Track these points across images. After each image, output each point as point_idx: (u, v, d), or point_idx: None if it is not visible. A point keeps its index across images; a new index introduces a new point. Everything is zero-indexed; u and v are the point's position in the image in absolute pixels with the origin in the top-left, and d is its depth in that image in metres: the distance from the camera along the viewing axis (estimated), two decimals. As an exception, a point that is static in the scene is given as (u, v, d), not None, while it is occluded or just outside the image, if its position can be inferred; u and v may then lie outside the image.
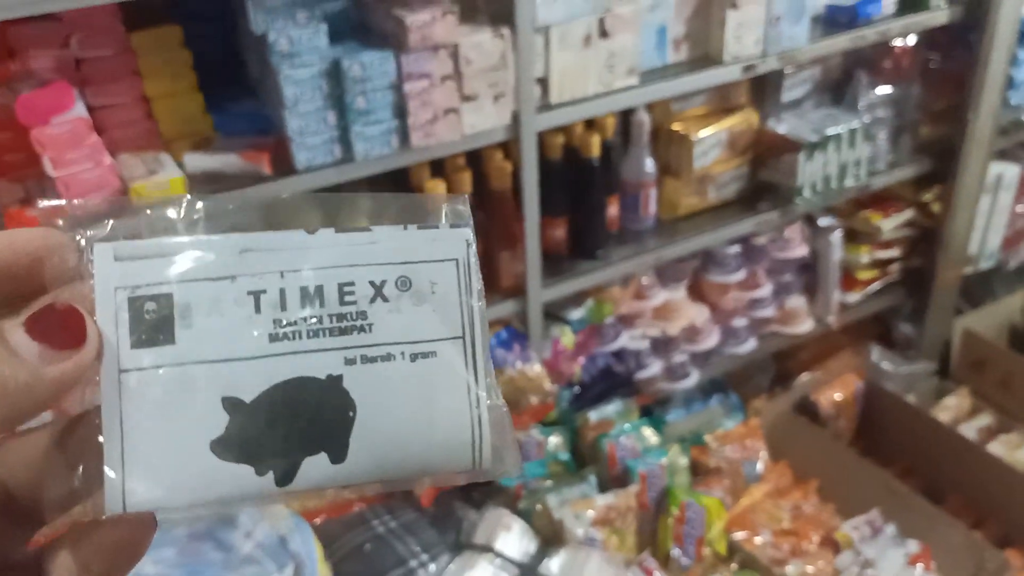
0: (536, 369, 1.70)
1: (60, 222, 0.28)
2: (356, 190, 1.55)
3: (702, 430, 1.96)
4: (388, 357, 0.29)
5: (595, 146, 1.64)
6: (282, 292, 0.29)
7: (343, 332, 0.29)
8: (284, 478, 0.28)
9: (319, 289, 0.29)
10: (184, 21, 1.34)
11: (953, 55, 2.02)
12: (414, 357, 0.29)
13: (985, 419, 2.09)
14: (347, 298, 0.29)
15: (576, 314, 1.82)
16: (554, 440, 1.76)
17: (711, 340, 2.00)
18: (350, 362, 0.29)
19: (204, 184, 1.33)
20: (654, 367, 1.94)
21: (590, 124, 1.66)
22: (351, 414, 0.28)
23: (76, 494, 0.26)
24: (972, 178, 2.09)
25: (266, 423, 0.28)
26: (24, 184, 1.25)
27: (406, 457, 0.29)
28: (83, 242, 0.28)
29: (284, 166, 1.36)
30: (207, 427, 0.27)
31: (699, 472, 1.86)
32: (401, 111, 1.37)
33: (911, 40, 1.96)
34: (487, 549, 1.56)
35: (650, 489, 1.66)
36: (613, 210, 1.76)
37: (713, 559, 1.63)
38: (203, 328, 0.28)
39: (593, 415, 1.83)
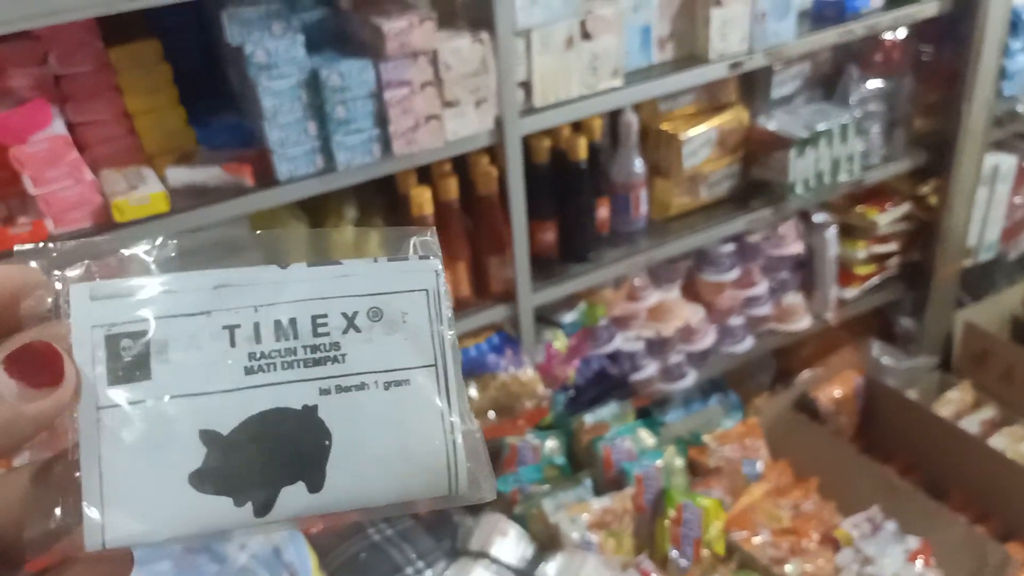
0: (529, 374, 1.70)
1: (34, 263, 0.29)
2: (342, 199, 1.55)
3: (701, 430, 1.95)
4: (362, 386, 0.30)
5: (582, 148, 1.63)
6: (256, 326, 0.29)
7: (317, 363, 0.29)
8: (263, 509, 0.28)
9: (292, 322, 0.30)
10: (163, 35, 1.34)
11: (945, 47, 2.00)
12: (387, 385, 0.30)
13: (988, 412, 2.07)
14: (320, 330, 0.30)
15: (569, 317, 1.81)
16: (550, 444, 1.75)
17: (707, 340, 1.99)
18: (324, 392, 0.29)
19: (187, 198, 1.33)
20: (650, 368, 1.94)
21: (577, 126, 1.65)
22: (327, 443, 0.29)
23: (55, 533, 0.26)
24: (968, 170, 2.07)
25: (244, 455, 0.28)
26: (6, 203, 1.26)
27: (383, 484, 0.29)
28: (58, 283, 0.28)
29: (267, 178, 1.36)
30: (185, 460, 0.28)
31: (698, 472, 1.85)
32: (382, 119, 1.37)
33: (901, 33, 1.94)
34: (483, 555, 1.56)
35: (646, 491, 1.65)
36: (603, 212, 1.76)
37: (712, 560, 1.62)
38: (179, 363, 0.28)
39: (588, 418, 1.82)
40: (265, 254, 0.31)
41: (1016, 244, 2.35)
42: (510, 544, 1.57)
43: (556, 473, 1.72)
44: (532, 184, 1.58)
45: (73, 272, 0.29)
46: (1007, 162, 2.17)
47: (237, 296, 0.29)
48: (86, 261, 0.29)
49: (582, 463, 1.76)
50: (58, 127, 1.21)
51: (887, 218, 2.10)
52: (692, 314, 1.96)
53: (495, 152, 1.54)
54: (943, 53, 2.01)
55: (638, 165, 1.75)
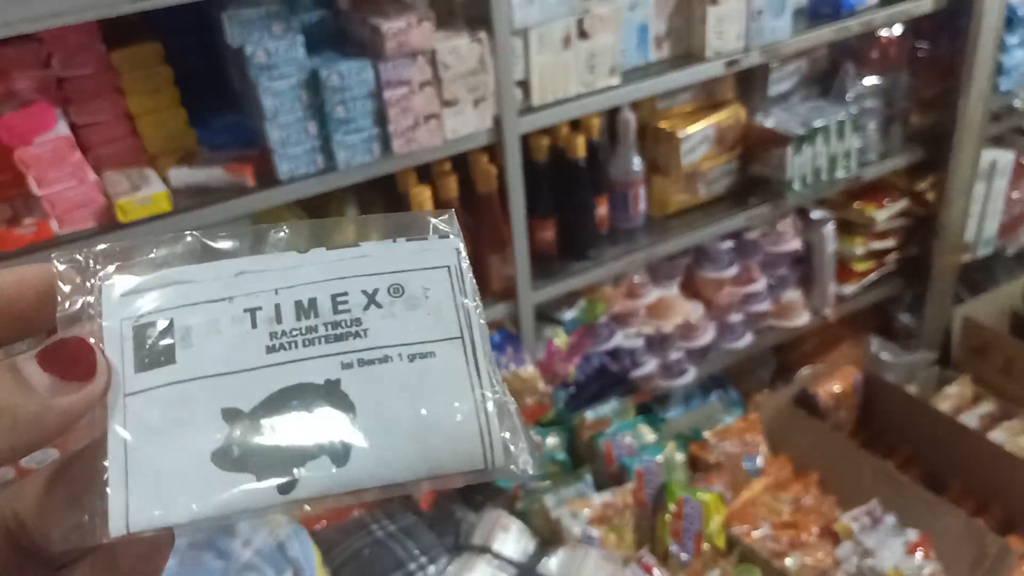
0: (529, 371, 1.71)
1: (66, 265, 0.29)
2: (343, 198, 1.56)
3: (701, 426, 1.96)
4: (385, 359, 0.29)
5: (581, 147, 1.64)
6: (277, 307, 0.29)
7: (338, 339, 0.29)
8: (286, 486, 0.27)
9: (312, 301, 0.30)
10: (164, 37, 1.36)
11: (941, 43, 2.01)
12: (412, 357, 0.29)
13: (987, 406, 2.08)
14: (340, 307, 0.30)
15: (569, 315, 1.83)
16: (551, 441, 1.76)
17: (707, 336, 2.00)
18: (347, 366, 0.29)
19: (189, 198, 1.35)
20: (650, 365, 1.95)
21: (575, 125, 1.67)
22: (351, 416, 0.28)
23: (84, 525, 0.27)
24: (965, 165, 2.08)
25: (266, 431, 0.28)
26: (11, 204, 1.27)
27: (412, 458, 0.28)
28: (89, 284, 0.29)
29: (268, 177, 1.37)
30: (208, 439, 0.27)
31: (699, 468, 1.86)
32: (382, 118, 1.39)
33: (897, 29, 1.95)
34: (485, 550, 1.57)
35: (647, 486, 1.66)
36: (602, 210, 1.77)
37: (712, 553, 1.63)
38: (202, 347, 0.29)
39: (589, 415, 1.83)
40: (287, 244, 0.32)
41: (1014, 239, 2.36)
42: (512, 539, 1.58)
43: (557, 469, 1.73)
44: (531, 182, 1.59)
45: (104, 272, 0.30)
46: (1004, 157, 2.18)
47: (257, 281, 0.30)
48: (115, 262, 0.30)
49: (583, 459, 1.78)
50: (62, 129, 1.22)
51: (885, 214, 2.11)
52: (692, 311, 1.97)
53: (494, 151, 1.56)
54: (939, 49, 2.02)
55: (636, 163, 1.77)
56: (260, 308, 0.29)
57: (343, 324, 0.29)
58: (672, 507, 1.62)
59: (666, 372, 1.99)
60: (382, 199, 1.61)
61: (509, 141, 1.51)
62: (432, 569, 1.54)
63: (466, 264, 0.32)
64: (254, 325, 0.29)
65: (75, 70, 1.27)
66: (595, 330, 1.86)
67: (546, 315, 1.81)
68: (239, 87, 1.45)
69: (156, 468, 0.27)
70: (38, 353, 0.27)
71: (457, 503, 1.71)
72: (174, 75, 1.37)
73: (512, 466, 0.30)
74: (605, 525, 1.60)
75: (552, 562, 1.53)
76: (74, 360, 0.27)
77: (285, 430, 0.28)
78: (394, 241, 0.32)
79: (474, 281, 0.32)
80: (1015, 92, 2.11)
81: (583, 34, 1.54)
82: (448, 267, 0.31)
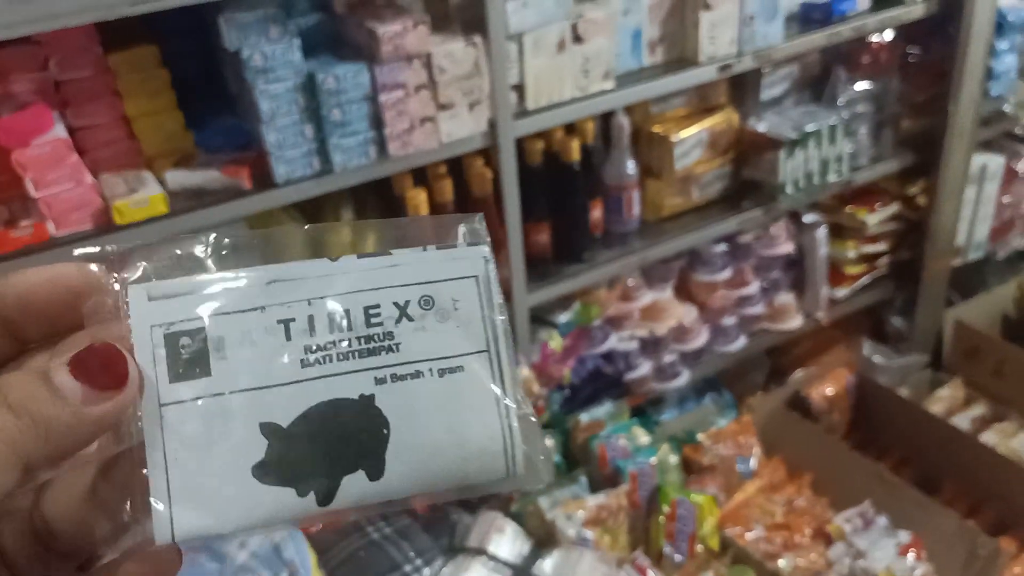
0: (524, 373, 1.72)
1: (93, 264, 0.30)
2: (339, 201, 1.57)
3: (695, 428, 1.97)
4: (417, 374, 0.30)
5: (575, 150, 1.65)
6: (310, 319, 0.30)
7: (372, 353, 0.30)
8: (325, 498, 0.29)
9: (346, 313, 0.30)
10: (161, 40, 1.37)
11: (932, 48, 2.03)
12: (442, 373, 0.30)
13: (979, 409, 2.10)
14: (373, 320, 0.30)
15: (563, 317, 1.83)
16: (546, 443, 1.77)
17: (700, 339, 2.01)
18: (380, 381, 0.30)
19: (186, 200, 1.35)
20: (644, 368, 1.96)
21: (570, 129, 1.68)
22: (385, 431, 0.29)
23: (125, 528, 0.27)
24: (956, 170, 2.10)
25: (304, 445, 0.28)
26: (8, 205, 1.28)
27: (441, 470, 0.30)
28: (116, 284, 0.29)
29: (264, 180, 1.38)
30: (247, 453, 0.28)
31: (693, 470, 1.87)
32: (377, 122, 1.40)
33: (888, 35, 1.97)
34: (480, 552, 1.58)
35: (641, 488, 1.67)
36: (597, 213, 1.78)
37: (706, 555, 1.64)
38: (237, 358, 0.29)
39: (584, 417, 1.84)
40: (315, 248, 0.32)
41: (1005, 243, 2.38)
42: (507, 541, 1.59)
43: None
44: (526, 186, 1.60)
45: (129, 274, 0.29)
46: (995, 162, 2.20)
47: (290, 290, 0.30)
48: (142, 263, 0.30)
49: (578, 461, 1.78)
50: (59, 131, 1.23)
51: (876, 218, 2.13)
52: (685, 314, 1.98)
53: (489, 154, 1.57)
54: (930, 54, 2.04)
55: (630, 167, 1.78)
56: (293, 320, 0.30)
57: (376, 338, 0.30)
58: (666, 509, 1.63)
59: (660, 375, 2.00)
60: (378, 202, 1.61)
61: (504, 144, 1.52)
62: (427, 571, 1.54)
63: (494, 273, 0.32)
64: (288, 337, 0.30)
65: (73, 72, 1.28)
66: (589, 333, 1.87)
67: (541, 318, 1.82)
68: (236, 90, 1.46)
69: (198, 480, 0.28)
70: (69, 361, 0.27)
71: (452, 505, 1.71)
72: (171, 78, 1.38)
73: (531, 475, 0.31)
74: (599, 527, 1.61)
75: (547, 564, 1.54)
76: (105, 367, 0.27)
77: (323, 444, 0.29)
78: (424, 249, 0.32)
79: (500, 291, 0.32)
80: (1005, 97, 2.13)
81: (577, 38, 1.55)
82: (476, 277, 0.32)
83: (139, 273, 0.30)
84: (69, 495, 0.28)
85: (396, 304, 0.31)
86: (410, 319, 0.30)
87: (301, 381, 0.29)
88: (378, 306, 0.30)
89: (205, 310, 0.29)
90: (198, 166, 1.38)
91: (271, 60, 1.31)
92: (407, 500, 0.30)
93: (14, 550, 0.28)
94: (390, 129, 1.40)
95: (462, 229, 0.33)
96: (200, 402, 0.28)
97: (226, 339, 0.29)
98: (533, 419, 0.31)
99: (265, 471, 0.28)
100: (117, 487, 0.28)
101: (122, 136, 1.36)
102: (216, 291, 0.30)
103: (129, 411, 0.28)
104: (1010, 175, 2.26)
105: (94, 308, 0.29)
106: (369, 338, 0.30)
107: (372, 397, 0.29)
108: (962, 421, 2.04)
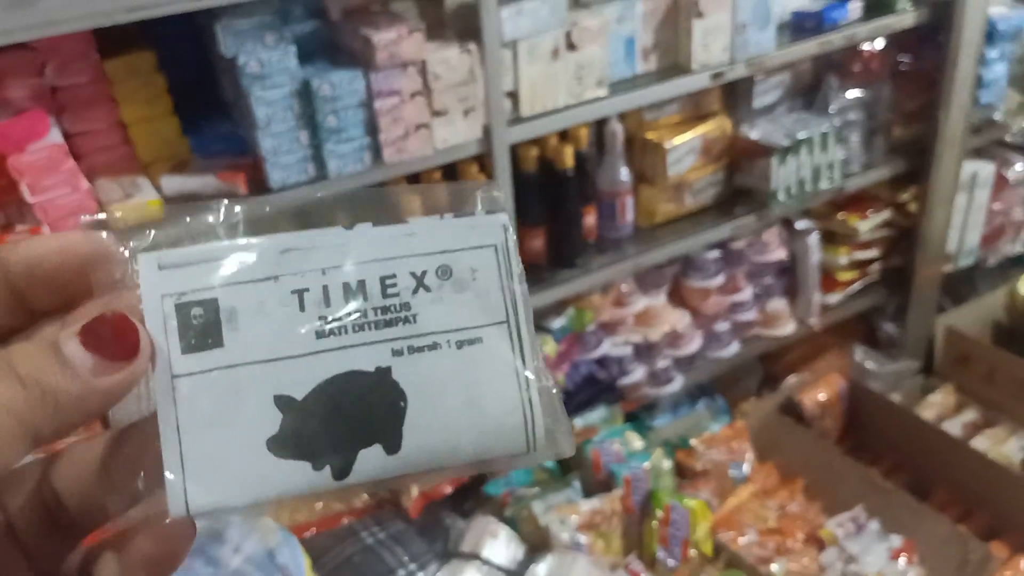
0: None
1: (103, 232, 0.29)
2: (334, 208, 1.58)
3: (689, 434, 1.98)
4: (434, 346, 0.29)
5: (569, 157, 1.66)
6: (325, 289, 0.29)
7: (388, 324, 0.29)
8: (341, 472, 0.28)
9: (361, 284, 0.29)
10: (157, 46, 1.37)
11: (922, 56, 2.05)
12: (460, 344, 0.29)
13: (970, 415, 2.11)
14: (390, 291, 0.29)
15: (557, 323, 1.84)
16: (539, 448, 1.78)
17: (693, 345, 2.02)
18: (397, 353, 0.29)
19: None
20: (637, 373, 1.96)
21: (564, 135, 1.69)
22: (402, 404, 0.29)
23: (136, 500, 0.27)
24: (946, 177, 2.12)
25: (320, 419, 0.28)
26: (4, 211, 1.28)
27: (460, 443, 0.29)
28: (126, 252, 0.28)
29: (259, 185, 1.39)
30: (262, 426, 0.28)
31: (686, 475, 1.88)
32: (372, 128, 1.41)
33: (879, 43, 1.99)
34: (474, 557, 1.58)
35: (634, 493, 1.68)
36: (590, 219, 1.79)
37: (699, 560, 1.65)
38: (250, 330, 0.28)
39: (578, 422, 1.85)
40: (329, 218, 0.31)
41: (995, 250, 2.40)
42: (501, 546, 1.59)
43: (546, 476, 1.74)
44: (520, 192, 1.61)
45: (138, 242, 0.29)
46: (985, 169, 2.22)
47: (304, 259, 0.29)
48: (151, 230, 0.29)
49: (571, 466, 1.79)
50: (55, 136, 1.23)
51: (868, 224, 2.14)
52: (678, 319, 1.99)
53: (484, 160, 1.58)
54: (921, 62, 2.05)
55: (624, 173, 1.79)
56: (308, 290, 0.29)
57: (392, 309, 0.29)
58: (659, 514, 1.64)
59: (653, 380, 2.01)
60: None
61: (498, 151, 1.53)
62: None
63: (513, 241, 0.31)
64: (302, 308, 0.29)
65: (69, 78, 1.29)
66: (583, 338, 1.88)
67: (535, 323, 1.83)
68: (232, 96, 1.47)
69: (211, 453, 0.27)
70: (80, 331, 0.26)
71: (446, 510, 1.72)
72: (167, 84, 1.39)
73: (552, 449, 0.30)
74: (593, 531, 1.62)
75: (541, 568, 1.54)
76: (116, 338, 0.26)
77: (338, 418, 0.28)
78: (441, 217, 0.31)
79: (520, 261, 0.31)
80: (995, 105, 2.15)
81: (571, 46, 1.56)
82: (495, 246, 0.31)
83: (149, 241, 0.29)
84: (79, 467, 0.28)
85: (412, 274, 0.30)
86: (427, 289, 0.30)
87: (316, 353, 0.28)
88: (394, 276, 0.29)
89: (217, 280, 0.29)
90: (194, 172, 1.39)
91: (267, 66, 1.31)
92: (424, 475, 0.29)
93: (22, 522, 0.28)
94: (385, 135, 1.41)
95: (480, 196, 0.32)
96: (213, 374, 0.28)
97: (239, 310, 0.28)
98: (554, 391, 0.30)
99: (280, 444, 0.28)
100: (129, 460, 0.27)
101: (118, 142, 1.36)
102: (228, 260, 0.29)
103: (140, 382, 0.27)
104: (1000, 182, 2.28)
105: (104, 278, 0.28)
106: (385, 309, 0.29)
107: (389, 369, 0.29)
108: (953, 427, 2.05)
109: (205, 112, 1.49)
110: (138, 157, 1.39)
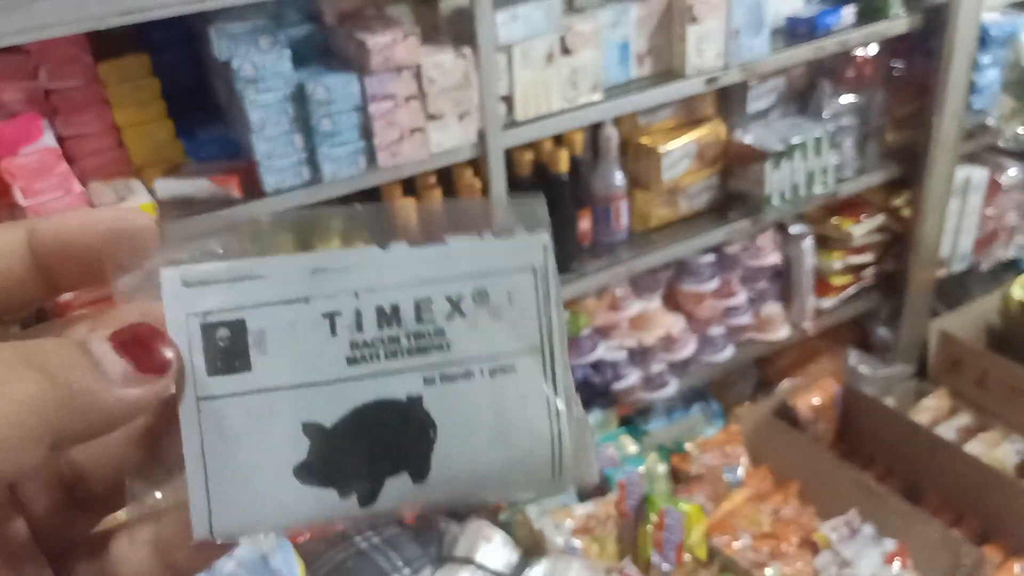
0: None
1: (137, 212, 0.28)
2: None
3: (683, 438, 1.98)
4: (467, 375, 0.28)
5: (564, 161, 1.67)
6: (358, 313, 0.28)
7: (421, 351, 0.28)
8: (367, 499, 0.28)
9: (395, 308, 0.28)
10: (151, 50, 1.37)
11: (915, 62, 2.06)
12: (493, 373, 0.29)
13: (964, 419, 2.12)
14: (424, 316, 0.28)
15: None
16: (534, 452, 1.78)
17: (688, 349, 2.02)
18: (429, 381, 0.28)
19: (175, 209, 1.36)
20: (632, 377, 1.96)
21: (558, 140, 1.69)
22: (432, 433, 0.28)
23: (158, 484, 0.27)
24: (940, 182, 2.12)
25: (348, 447, 0.27)
26: (-4, 214, 1.28)
27: (486, 473, 0.29)
28: (144, 255, 0.27)
29: (254, 189, 1.39)
30: (289, 453, 0.27)
31: (681, 479, 1.88)
32: (367, 132, 1.41)
33: (872, 49, 2.00)
34: (469, 561, 1.58)
35: (629, 497, 1.68)
36: (585, 223, 1.79)
37: (694, 564, 1.65)
38: (279, 353, 0.27)
39: (572, 426, 1.84)
40: (361, 231, 0.30)
41: (988, 254, 2.41)
42: (495, 550, 1.59)
43: (540, 480, 1.74)
44: (514, 196, 1.61)
45: (161, 250, 0.27)
46: (978, 174, 2.23)
47: (336, 281, 0.28)
48: (174, 243, 0.28)
49: (566, 470, 1.79)
50: (48, 140, 1.23)
51: (862, 229, 2.15)
52: (673, 323, 1.99)
53: (478, 164, 1.58)
54: (914, 68, 2.06)
55: (618, 178, 1.79)
56: (340, 313, 0.28)
57: (426, 335, 0.28)
58: (654, 518, 1.64)
59: (648, 384, 2.01)
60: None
61: (493, 155, 1.53)
62: (415, 580, 1.54)
63: (552, 264, 0.30)
64: (334, 332, 0.28)
65: (62, 82, 1.28)
66: (578, 342, 1.88)
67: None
68: (226, 100, 1.46)
69: (237, 478, 0.27)
70: (112, 335, 0.25)
71: (440, 514, 1.71)
72: (161, 87, 1.38)
73: (576, 479, 0.30)
74: (587, 535, 1.62)
75: (535, 572, 1.54)
76: (148, 349, 0.25)
77: (367, 446, 0.28)
78: (480, 237, 0.29)
79: (559, 283, 0.30)
80: (988, 110, 2.16)
81: (566, 50, 1.56)
82: (534, 269, 0.29)
83: (170, 251, 0.27)
84: (108, 443, 0.27)
85: (449, 298, 0.28)
86: (462, 314, 0.28)
87: (346, 380, 0.28)
88: (430, 299, 0.28)
89: (245, 300, 0.27)
90: (188, 175, 1.39)
91: (261, 70, 1.31)
92: (448, 502, 0.29)
93: (36, 492, 0.28)
94: (379, 139, 1.41)
95: (521, 212, 0.30)
96: (239, 398, 0.27)
97: (268, 333, 0.27)
98: (585, 420, 0.30)
99: (307, 472, 0.27)
100: (154, 463, 0.27)
101: (111, 145, 1.36)
102: (257, 279, 0.28)
103: (166, 399, 0.26)
104: (993, 187, 2.29)
105: (131, 258, 0.27)
106: (419, 335, 0.28)
107: (420, 398, 0.28)
108: (947, 431, 2.06)
109: (199, 116, 1.49)
110: (131, 161, 1.39)
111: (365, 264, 0.28)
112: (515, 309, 0.29)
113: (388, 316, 0.28)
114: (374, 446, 0.28)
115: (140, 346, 0.25)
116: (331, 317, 0.28)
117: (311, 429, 0.27)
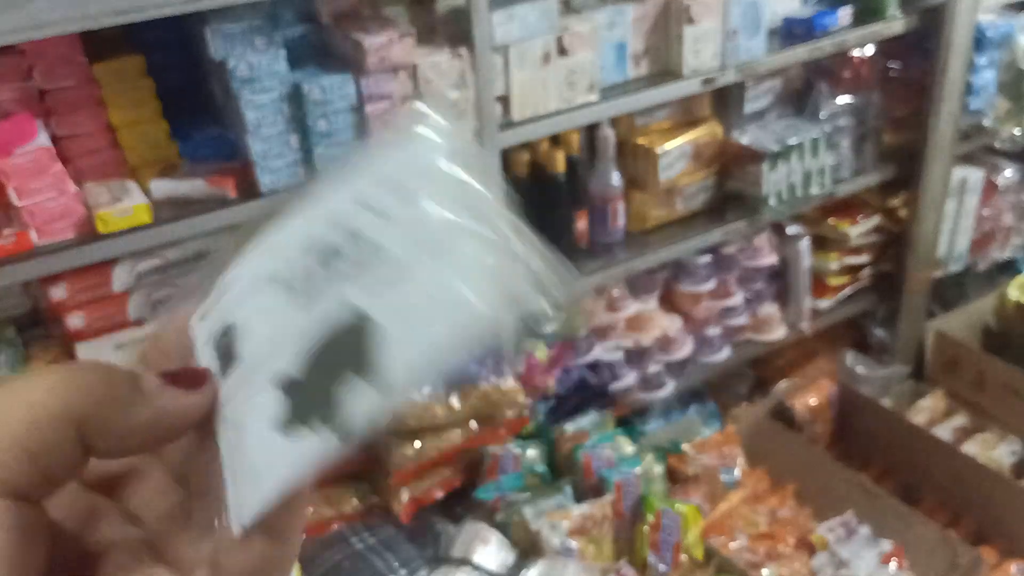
0: (510, 384, 1.72)
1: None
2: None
3: (680, 439, 1.98)
4: (405, 269, 0.28)
5: (560, 162, 1.66)
6: (305, 267, 0.30)
7: (360, 269, 0.29)
8: (341, 426, 0.28)
9: (332, 245, 0.29)
10: (146, 50, 1.37)
11: (912, 63, 2.06)
12: (431, 254, 0.28)
13: (960, 419, 2.12)
14: (358, 238, 0.29)
15: (549, 328, 1.84)
16: (531, 453, 1.77)
17: (685, 349, 2.02)
18: (373, 293, 0.29)
19: (170, 210, 1.35)
20: (629, 378, 1.96)
21: (555, 140, 1.69)
22: (384, 339, 0.28)
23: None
24: (936, 183, 2.12)
25: (314, 385, 0.29)
26: (-9, 214, 1.27)
27: (445, 346, 0.28)
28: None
29: (249, 189, 1.38)
30: (272, 414, 0.29)
31: (677, 480, 1.88)
32: (363, 132, 1.40)
33: (869, 50, 2.00)
34: (465, 562, 1.57)
35: (625, 498, 1.67)
36: (582, 224, 1.79)
37: (690, 565, 1.64)
38: (255, 333, 0.30)
39: (569, 427, 1.84)
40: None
41: (985, 255, 2.41)
42: (492, 551, 1.58)
43: (537, 481, 1.74)
44: (511, 196, 1.60)
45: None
46: (974, 175, 2.23)
47: (284, 246, 0.30)
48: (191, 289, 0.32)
49: (563, 471, 1.79)
50: (43, 140, 1.23)
51: (858, 230, 2.15)
52: (670, 324, 1.99)
53: (474, 165, 1.57)
54: (910, 69, 2.06)
55: (615, 178, 1.79)
56: (289, 273, 0.30)
57: (363, 252, 0.29)
58: (650, 519, 1.63)
59: (645, 385, 2.00)
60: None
61: (489, 155, 1.53)
62: (411, 581, 1.54)
63: (467, 146, 0.30)
64: (290, 289, 0.30)
65: (57, 82, 1.28)
66: (575, 343, 1.88)
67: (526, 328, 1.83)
68: (222, 100, 1.46)
69: (244, 460, 0.29)
70: (159, 373, 0.29)
71: (437, 516, 1.71)
72: (156, 88, 1.38)
73: (540, 308, 0.29)
74: (584, 536, 1.61)
75: (531, 574, 1.54)
76: (184, 372, 0.30)
77: (329, 376, 0.28)
78: (384, 148, 0.30)
79: (477, 151, 0.31)
80: (984, 111, 2.16)
81: (562, 51, 1.56)
82: (442, 147, 0.30)
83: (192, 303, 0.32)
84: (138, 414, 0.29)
85: (371, 209, 0.29)
86: (387, 218, 0.29)
87: (306, 325, 0.29)
88: (357, 218, 0.29)
89: (228, 304, 0.31)
90: (183, 176, 1.38)
91: (257, 70, 1.31)
92: (417, 387, 0.30)
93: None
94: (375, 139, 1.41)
95: (412, 113, 0.31)
96: (238, 388, 0.30)
97: (245, 320, 0.30)
98: (534, 245, 0.30)
99: (286, 423, 0.28)
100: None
101: (106, 145, 1.36)
102: (230, 281, 0.31)
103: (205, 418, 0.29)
104: (990, 188, 2.29)
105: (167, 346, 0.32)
106: (358, 260, 0.29)
107: (367, 313, 0.28)
108: (943, 431, 2.06)
109: (194, 116, 1.48)
110: (127, 161, 1.39)
111: (300, 222, 0.31)
112: (437, 188, 0.29)
113: (328, 255, 0.29)
114: (335, 373, 0.28)
115: (183, 375, 0.29)
116: (287, 282, 0.30)
117: (281, 381, 0.29)
